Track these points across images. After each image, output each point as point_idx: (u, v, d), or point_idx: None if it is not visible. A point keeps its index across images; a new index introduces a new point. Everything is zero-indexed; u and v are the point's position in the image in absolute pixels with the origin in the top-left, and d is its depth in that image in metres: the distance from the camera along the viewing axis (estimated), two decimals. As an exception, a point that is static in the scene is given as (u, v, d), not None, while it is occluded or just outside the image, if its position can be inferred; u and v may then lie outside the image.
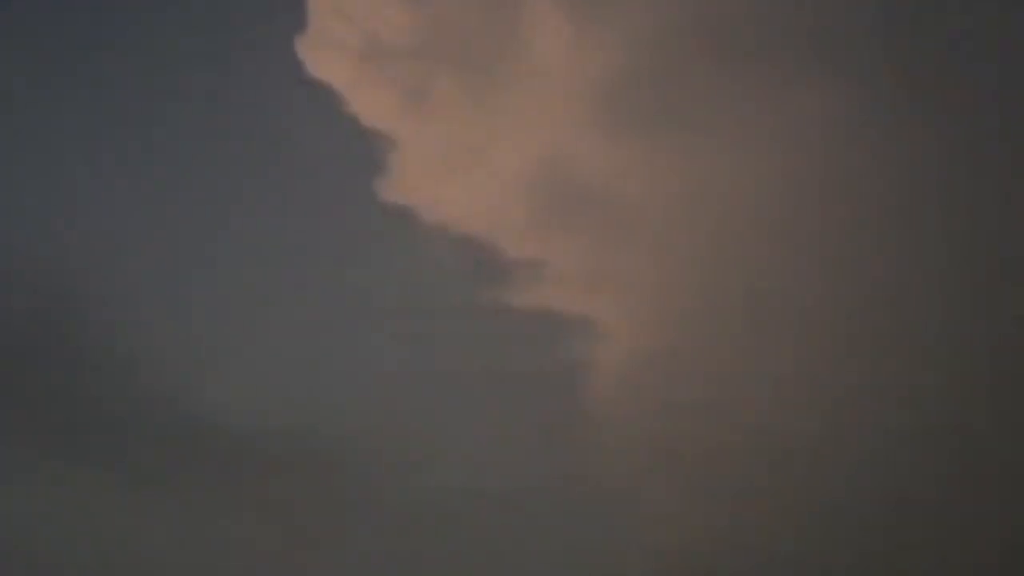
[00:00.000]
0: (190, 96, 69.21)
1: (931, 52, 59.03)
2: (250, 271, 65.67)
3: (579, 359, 61.97)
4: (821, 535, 52.32)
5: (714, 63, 61.72)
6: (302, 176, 67.15)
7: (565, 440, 60.21)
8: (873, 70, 59.85)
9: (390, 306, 65.41)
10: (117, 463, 59.14)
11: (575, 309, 62.62)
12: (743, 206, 60.99)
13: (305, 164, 67.12)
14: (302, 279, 66.23)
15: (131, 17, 66.89)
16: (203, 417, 59.76)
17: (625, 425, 58.33)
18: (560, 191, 64.04)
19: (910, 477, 53.27)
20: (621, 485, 57.13)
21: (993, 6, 59.76)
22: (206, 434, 59.73)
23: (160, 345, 62.29)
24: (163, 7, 68.76)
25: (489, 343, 63.88)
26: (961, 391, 52.98)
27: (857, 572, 52.05)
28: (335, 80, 63.68)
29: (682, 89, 62.82)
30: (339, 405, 61.24)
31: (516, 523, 57.87)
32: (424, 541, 57.67)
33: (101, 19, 68.02)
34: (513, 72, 64.54)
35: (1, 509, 55.87)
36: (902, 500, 52.74)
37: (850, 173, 59.99)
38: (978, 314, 54.31)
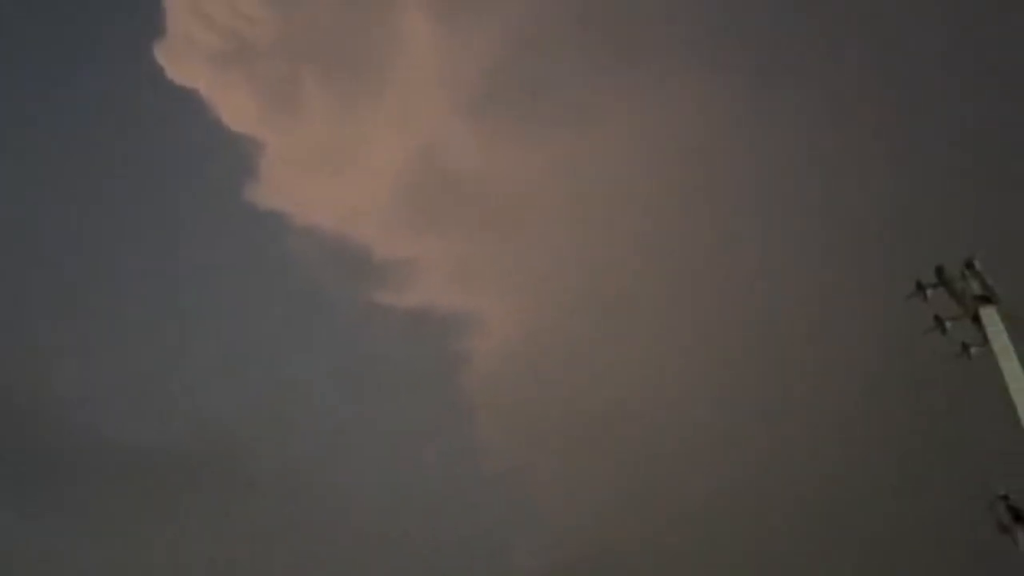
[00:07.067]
0: (49, 107, 66.31)
1: (800, 48, 59.79)
2: (117, 281, 62.98)
3: (456, 352, 61.31)
4: (696, 512, 52.51)
5: (587, 60, 61.48)
6: (168, 184, 64.68)
7: (447, 432, 59.35)
8: (745, 64, 60.44)
9: (265, 311, 63.63)
10: (15, 489, 55.83)
11: (450, 304, 61.62)
12: (614, 198, 60.89)
13: (170, 171, 64.67)
14: (172, 289, 63.77)
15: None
16: (89, 437, 57.08)
17: (504, 414, 57.81)
18: (432, 188, 62.96)
19: (782, 447, 53.64)
20: (504, 472, 56.65)
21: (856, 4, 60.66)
22: (96, 453, 56.94)
23: (35, 362, 59.22)
24: (17, 16, 65.98)
25: (367, 342, 62.39)
26: (835, 367, 53.45)
27: (737, 546, 52.37)
28: (197, 84, 61.57)
29: (554, 85, 62.45)
30: (221, 412, 58.98)
31: (406, 515, 56.64)
32: (318, 540, 56.15)
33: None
34: (382, 70, 63.23)
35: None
36: (775, 471, 53.08)
37: (722, 163, 60.31)
38: (848, 291, 54.78)
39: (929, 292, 23.16)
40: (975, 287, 22.90)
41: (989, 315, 23.04)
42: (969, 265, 22.81)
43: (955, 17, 55.78)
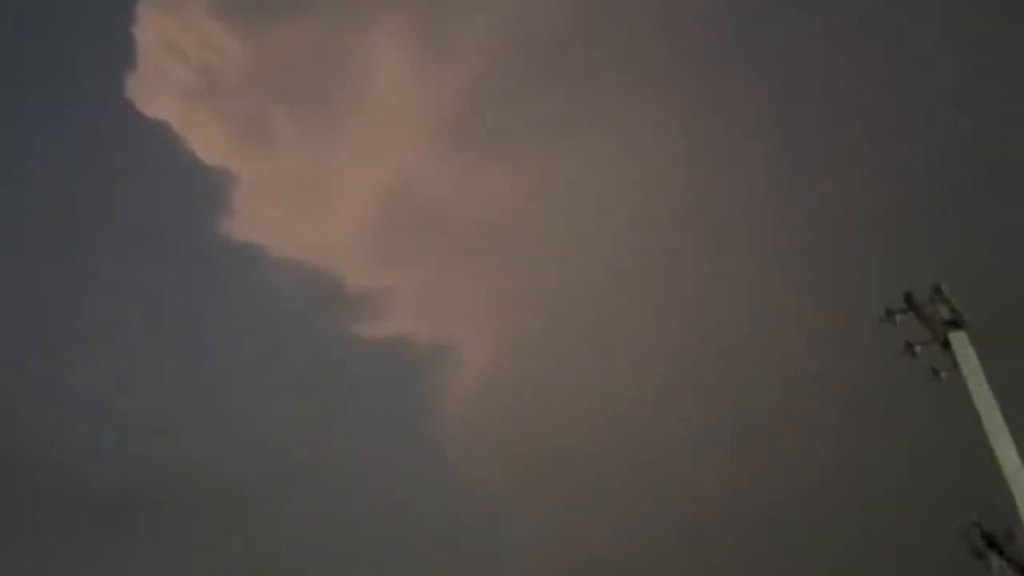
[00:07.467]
0: (19, 141, 65.82)
1: (759, 72, 60.11)
2: (88, 311, 62.38)
3: (434, 384, 60.98)
4: (673, 531, 52.40)
5: (553, 86, 61.62)
6: (141, 217, 64.29)
7: (426, 458, 59.08)
8: (706, 87, 60.75)
9: (239, 342, 63.15)
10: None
11: (426, 332, 61.57)
12: (591, 220, 60.92)
13: (143, 204, 64.35)
14: (150, 322, 63.26)
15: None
16: (75, 470, 56.45)
17: (483, 439, 57.49)
18: (406, 217, 62.78)
19: (761, 478, 53.61)
20: (483, 495, 56.40)
21: (812, 33, 60.99)
22: (84, 486, 56.35)
23: (19, 398, 58.53)
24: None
25: (343, 372, 62.17)
26: (811, 389, 53.48)
27: (713, 565, 52.19)
28: (169, 116, 61.35)
29: (523, 111, 62.44)
30: (205, 446, 58.57)
31: (388, 537, 56.22)
32: (299, 565, 55.92)
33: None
34: (354, 100, 63.09)
35: None
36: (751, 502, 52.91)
37: (697, 184, 60.45)
38: (825, 312, 54.89)
39: (899, 317, 23.24)
40: (944, 312, 23.01)
41: (959, 339, 23.15)
42: (938, 291, 22.92)
43: (929, 46, 56.41)
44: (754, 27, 60.25)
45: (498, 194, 60.84)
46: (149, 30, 60.19)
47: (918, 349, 23.26)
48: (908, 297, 23.12)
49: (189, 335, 64.84)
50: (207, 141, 61.51)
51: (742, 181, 59.89)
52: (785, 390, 52.77)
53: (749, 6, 59.95)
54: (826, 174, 58.03)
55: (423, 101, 61.77)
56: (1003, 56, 55.45)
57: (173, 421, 60.56)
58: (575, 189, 61.03)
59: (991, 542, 21.06)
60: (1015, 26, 54.63)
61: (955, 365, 22.92)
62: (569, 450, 56.08)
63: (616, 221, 60.09)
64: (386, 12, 61.16)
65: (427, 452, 60.11)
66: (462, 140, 61.42)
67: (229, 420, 60.52)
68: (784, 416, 52.48)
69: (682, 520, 51.90)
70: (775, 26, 59.90)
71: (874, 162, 56.56)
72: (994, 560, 21.01)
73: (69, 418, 59.18)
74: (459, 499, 57.71)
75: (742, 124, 59.07)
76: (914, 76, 57.24)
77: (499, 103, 60.83)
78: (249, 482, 57.25)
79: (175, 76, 60.70)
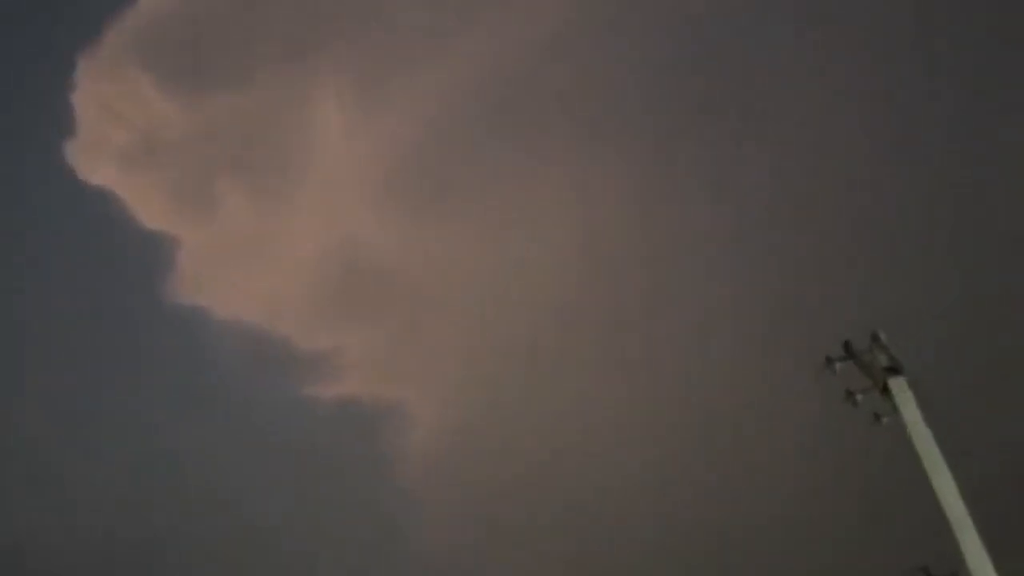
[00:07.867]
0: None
1: (697, 130, 61.23)
2: (28, 382, 61.23)
3: (387, 444, 60.46)
4: (635, 563, 52.24)
5: (499, 141, 62.09)
6: (84, 283, 63.43)
7: (383, 527, 58.45)
8: (642, 143, 61.79)
9: (186, 407, 62.23)
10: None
11: (376, 393, 61.21)
12: (538, 274, 61.26)
13: (85, 272, 63.51)
14: (89, 388, 62.17)
15: None
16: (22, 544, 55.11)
17: (438, 503, 57.08)
18: (352, 278, 62.56)
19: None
20: (442, 555, 55.88)
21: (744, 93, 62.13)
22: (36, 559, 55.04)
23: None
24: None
25: (293, 436, 61.51)
26: (757, 437, 54.02)
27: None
28: (109, 182, 60.87)
29: (468, 168, 62.94)
30: (154, 512, 57.65)
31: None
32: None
33: None
34: (298, 163, 63.08)
35: None
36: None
37: (631, 239, 61.27)
38: (756, 348, 55.60)
39: (838, 366, 23.62)
40: (882, 359, 23.44)
41: (898, 385, 23.56)
42: (875, 338, 23.36)
43: (853, 97, 57.87)
44: (701, 91, 61.30)
45: (445, 251, 61.12)
46: (88, 97, 59.91)
47: (859, 396, 23.64)
48: (847, 345, 23.56)
49: (132, 400, 63.80)
50: (150, 205, 61.08)
51: (696, 226, 60.63)
52: (733, 437, 53.26)
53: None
54: (777, 220, 59.03)
55: (366, 162, 62.07)
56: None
57: (120, 488, 59.47)
58: (522, 242, 61.45)
59: (938, 587, 21.31)
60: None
61: (895, 410, 23.32)
62: (524, 504, 55.93)
63: (565, 273, 60.54)
64: (327, 74, 61.52)
65: (380, 513, 59.57)
66: (407, 199, 61.70)
67: (172, 485, 59.56)
68: (730, 460, 52.90)
69: (642, 556, 51.93)
70: (722, 89, 61.13)
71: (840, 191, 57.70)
72: (942, 605, 21.25)
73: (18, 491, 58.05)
74: (416, 559, 57.11)
75: (693, 171, 60.03)
76: (834, 152, 58.63)
77: (444, 161, 61.31)
78: (203, 545, 56.35)
79: (115, 142, 60.39)
